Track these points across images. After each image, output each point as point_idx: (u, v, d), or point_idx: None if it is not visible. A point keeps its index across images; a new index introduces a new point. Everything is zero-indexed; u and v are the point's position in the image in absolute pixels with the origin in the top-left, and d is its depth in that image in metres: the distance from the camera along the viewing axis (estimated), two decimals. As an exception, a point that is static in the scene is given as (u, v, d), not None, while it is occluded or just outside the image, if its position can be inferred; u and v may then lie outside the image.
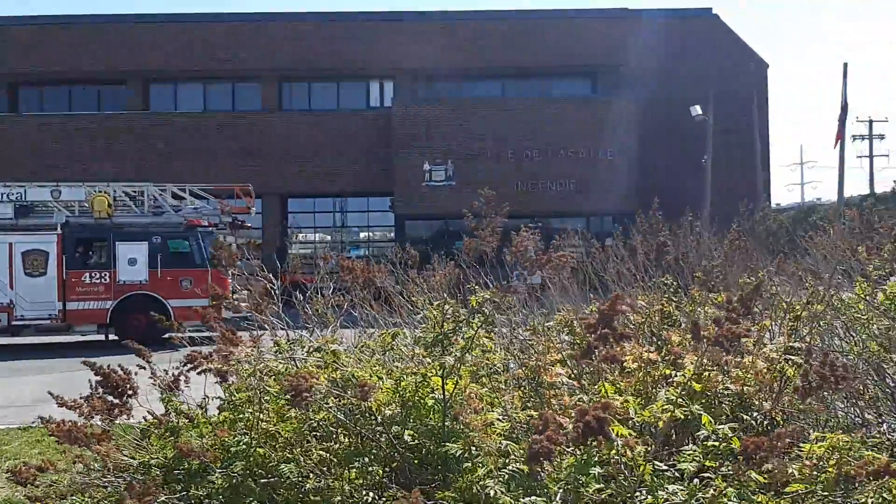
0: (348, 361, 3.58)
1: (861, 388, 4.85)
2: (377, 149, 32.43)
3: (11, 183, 19.85)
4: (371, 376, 3.37)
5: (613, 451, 2.44)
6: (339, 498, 3.32)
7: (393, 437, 3.39)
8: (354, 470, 3.69)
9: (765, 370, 3.76)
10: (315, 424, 4.01)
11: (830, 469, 2.51)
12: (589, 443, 2.16)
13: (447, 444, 3.47)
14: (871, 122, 50.22)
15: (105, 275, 18.30)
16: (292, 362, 3.69)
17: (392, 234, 33.24)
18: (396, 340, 3.93)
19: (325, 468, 3.84)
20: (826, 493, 2.93)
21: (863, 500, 3.00)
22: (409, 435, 3.43)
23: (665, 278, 5.07)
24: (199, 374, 3.59)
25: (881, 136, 50.62)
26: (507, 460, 3.18)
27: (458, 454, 3.44)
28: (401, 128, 32.09)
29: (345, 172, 32.63)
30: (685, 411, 2.83)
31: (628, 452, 2.45)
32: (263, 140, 32.85)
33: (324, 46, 33.68)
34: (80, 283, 18.26)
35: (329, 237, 35.57)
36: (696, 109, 30.24)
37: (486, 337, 3.96)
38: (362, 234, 35.92)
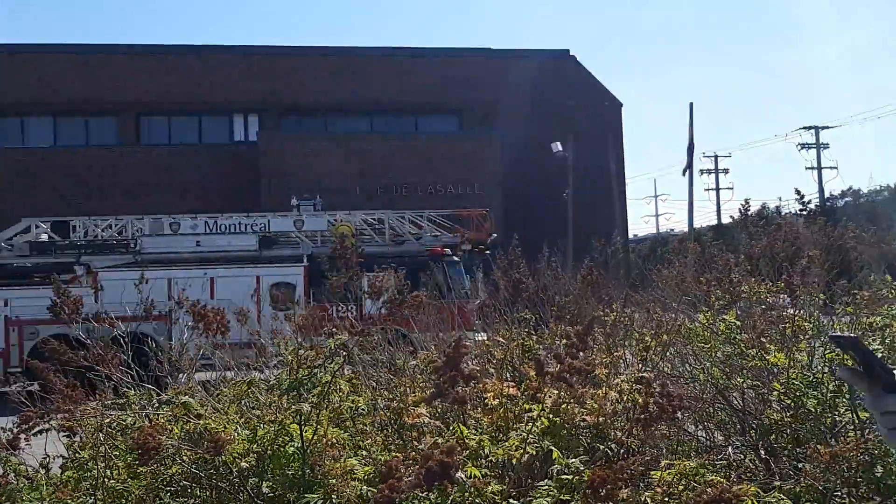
0: (203, 411, 3.43)
1: (710, 411, 5.13)
2: (243, 184, 31.73)
3: (254, 214, 19.10)
4: (225, 427, 3.25)
5: (466, 493, 2.46)
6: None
7: (251, 489, 3.28)
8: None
9: (617, 400, 3.90)
10: (168, 479, 3.82)
11: (674, 498, 2.62)
12: (436, 486, 2.16)
13: (307, 494, 3.39)
14: (716, 157, 53.82)
15: (351, 308, 16.78)
16: (142, 416, 3.50)
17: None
18: (253, 387, 3.81)
19: (179, 525, 3.65)
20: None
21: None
22: (267, 486, 3.32)
23: (525, 313, 5.20)
24: (35, 434, 3.34)
25: (726, 171, 54.36)
26: (368, 506, 3.13)
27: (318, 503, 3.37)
28: (267, 162, 31.58)
29: (209, 209, 31.66)
30: (536, 447, 2.89)
31: (482, 492, 2.46)
32: (119, 175, 31.45)
33: (185, 79, 32.81)
34: (327, 318, 16.75)
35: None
36: (557, 146, 31.49)
37: (351, 378, 3.92)
38: (230, 272, 34.82)
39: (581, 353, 2.67)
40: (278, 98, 33.24)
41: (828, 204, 43.76)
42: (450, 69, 34.39)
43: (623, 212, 35.25)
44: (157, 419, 3.31)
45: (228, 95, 32.95)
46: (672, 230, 58.29)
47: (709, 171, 53.06)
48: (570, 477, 2.80)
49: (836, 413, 4.14)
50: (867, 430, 3.84)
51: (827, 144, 48.84)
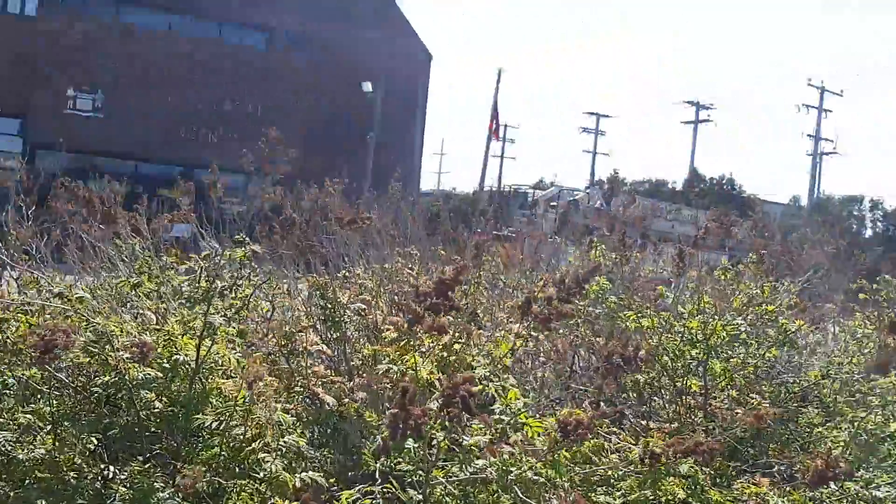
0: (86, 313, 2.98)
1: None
2: (12, 63, 27.90)
3: None
4: (123, 333, 2.85)
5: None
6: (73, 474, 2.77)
7: (142, 402, 2.92)
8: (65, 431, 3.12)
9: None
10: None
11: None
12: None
13: (197, 412, 3.10)
14: (505, 126, 56.33)
15: None
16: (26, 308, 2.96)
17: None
18: (139, 291, 3.37)
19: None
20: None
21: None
22: (161, 401, 2.99)
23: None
24: None
25: (512, 141, 57.27)
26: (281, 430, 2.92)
27: (212, 425, 3.10)
28: (45, 42, 28.03)
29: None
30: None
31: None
32: None
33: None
34: None
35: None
36: (368, 86, 31.05)
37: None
38: (-20, 159, 30.76)
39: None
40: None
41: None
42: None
43: (419, 165, 35.78)
44: (48, 317, 2.83)
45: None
46: (454, 188, 60.44)
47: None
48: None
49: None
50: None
51: (604, 132, 52.90)
